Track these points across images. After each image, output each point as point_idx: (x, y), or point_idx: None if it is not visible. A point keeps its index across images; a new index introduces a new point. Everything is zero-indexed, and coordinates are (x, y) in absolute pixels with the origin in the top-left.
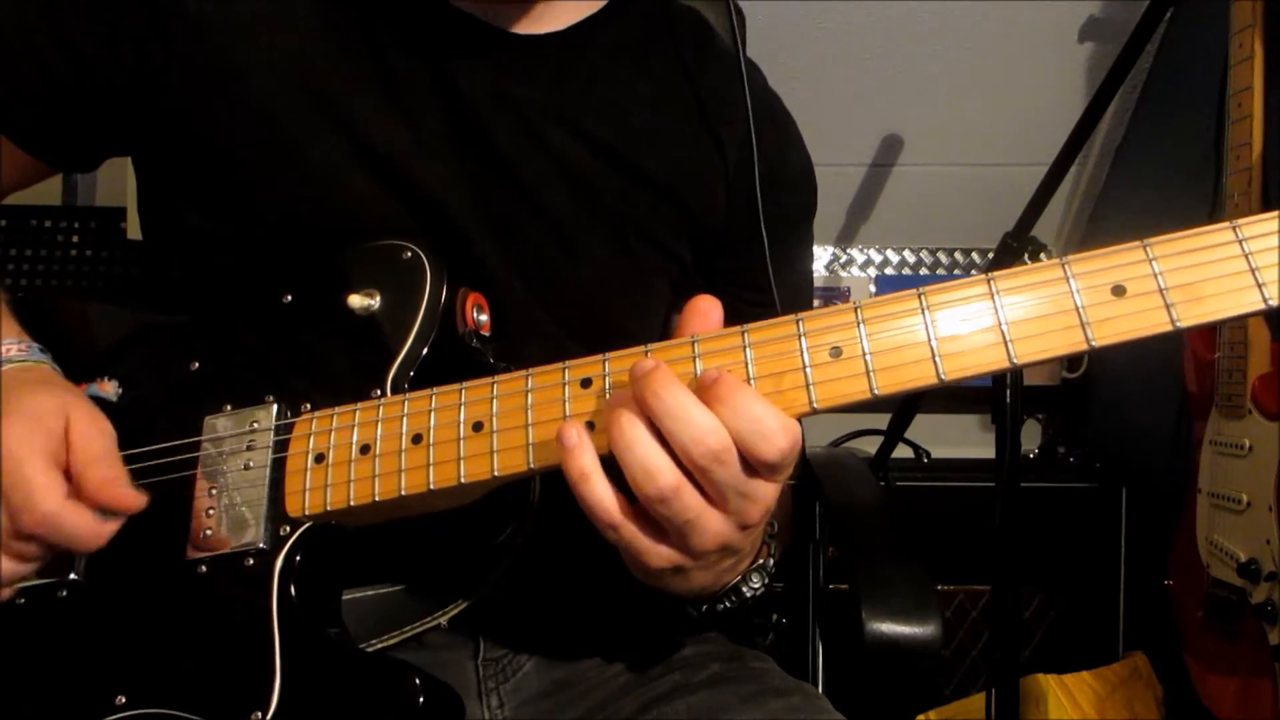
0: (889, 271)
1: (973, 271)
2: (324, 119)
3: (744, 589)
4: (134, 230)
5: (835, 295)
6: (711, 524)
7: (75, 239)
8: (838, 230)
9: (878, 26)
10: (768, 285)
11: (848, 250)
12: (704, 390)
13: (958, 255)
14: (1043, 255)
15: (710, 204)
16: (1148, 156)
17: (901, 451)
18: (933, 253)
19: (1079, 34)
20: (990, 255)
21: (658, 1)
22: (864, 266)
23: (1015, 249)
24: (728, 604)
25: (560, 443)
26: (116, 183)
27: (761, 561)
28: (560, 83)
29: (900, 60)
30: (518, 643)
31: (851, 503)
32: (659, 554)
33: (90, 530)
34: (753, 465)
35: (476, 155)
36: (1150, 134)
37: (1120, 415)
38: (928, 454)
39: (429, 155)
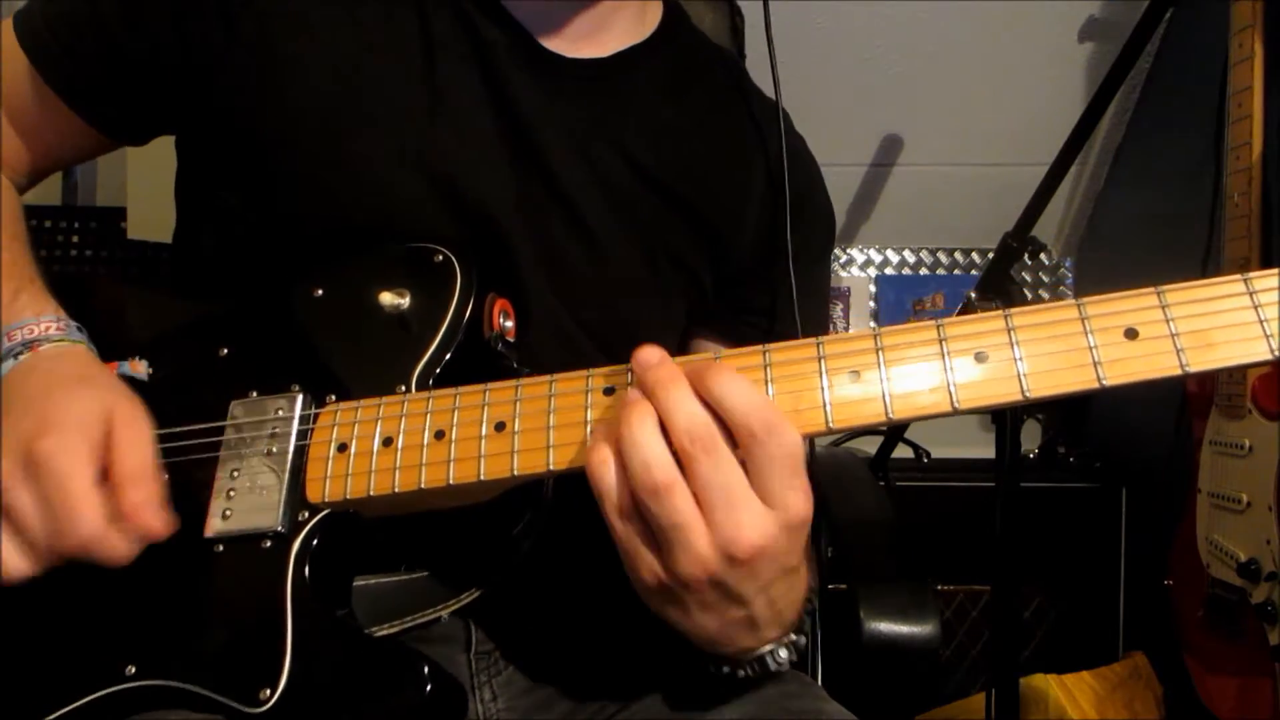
0: (889, 271)
1: (973, 271)
2: (372, 116)
3: (769, 661)
4: (134, 230)
5: (835, 295)
6: (697, 540)
7: (75, 239)
8: (838, 230)
9: (878, 26)
10: (777, 313)
11: (848, 250)
12: (693, 376)
13: (958, 255)
14: (1043, 255)
15: (737, 231)
16: (1148, 156)
17: (901, 451)
18: (933, 253)
19: (1079, 34)
20: (990, 255)
21: (697, 38)
22: (864, 266)
23: (1015, 249)
24: (749, 672)
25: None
26: (116, 183)
27: (793, 637)
28: (605, 104)
29: (900, 60)
30: (510, 637)
31: (850, 503)
32: (646, 562)
33: (123, 554)
34: (750, 467)
35: (522, 161)
36: (1150, 134)
37: (1120, 415)
38: (928, 454)
39: (474, 158)
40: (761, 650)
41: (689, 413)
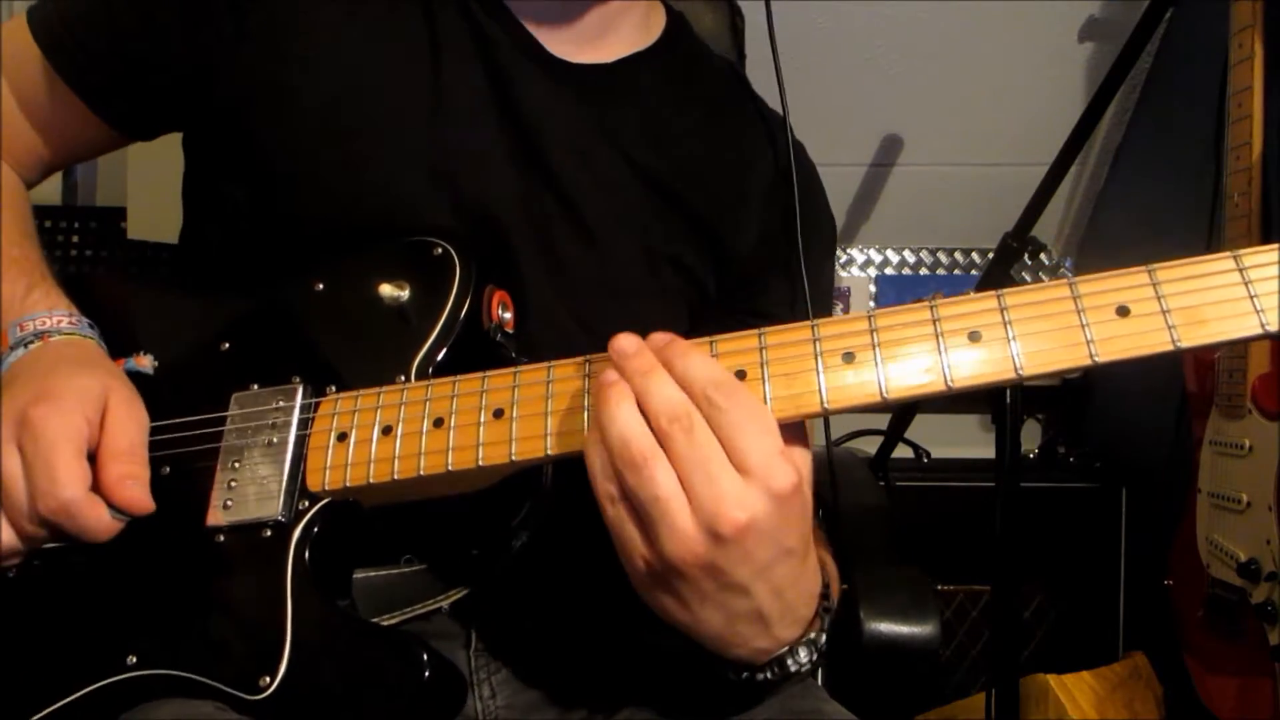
0: (889, 271)
1: (973, 271)
2: (376, 115)
3: (789, 661)
4: (134, 230)
5: (835, 295)
6: (678, 514)
7: (75, 239)
8: (838, 230)
9: (878, 26)
10: (781, 317)
11: (848, 250)
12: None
13: (958, 255)
14: (1043, 255)
15: (737, 234)
16: (1148, 156)
17: (901, 451)
18: (933, 253)
19: (1079, 34)
20: (990, 255)
21: (699, 47)
22: (864, 266)
23: (1015, 249)
24: (769, 675)
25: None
26: (116, 183)
27: (812, 636)
28: (607, 107)
29: (900, 60)
30: (509, 634)
31: (850, 503)
32: (636, 547)
33: (102, 525)
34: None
35: (525, 161)
36: (1150, 134)
37: (1120, 415)
38: (928, 454)
39: (478, 157)
40: (780, 651)
41: (665, 395)
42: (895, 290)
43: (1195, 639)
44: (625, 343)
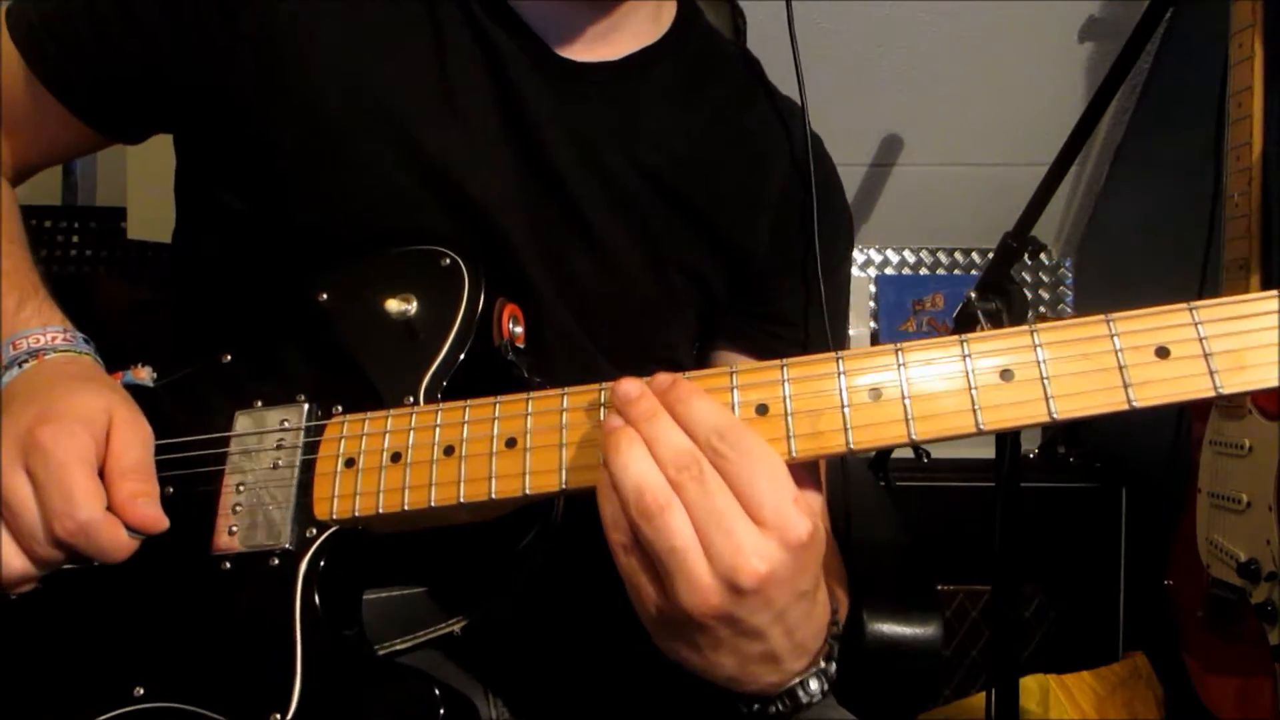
0: (889, 271)
1: (973, 271)
2: (377, 118)
3: (800, 693)
4: (134, 230)
5: None
6: (695, 566)
7: (75, 239)
8: None
9: (878, 26)
10: (797, 320)
11: None
12: (661, 395)
13: (958, 255)
14: (1043, 255)
15: (751, 237)
16: (1148, 156)
17: (902, 451)
18: (933, 253)
19: (1079, 34)
20: (990, 255)
21: (712, 37)
22: (864, 266)
23: (1015, 249)
24: (780, 707)
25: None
26: (116, 183)
27: (822, 666)
28: (615, 108)
29: (900, 60)
30: (524, 648)
31: (851, 503)
32: (647, 592)
33: (120, 545)
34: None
35: (529, 165)
36: (1150, 134)
37: (1120, 415)
38: (928, 454)
39: (481, 161)
40: (791, 683)
41: (672, 444)
42: (895, 290)
43: (1195, 639)
44: (628, 387)
